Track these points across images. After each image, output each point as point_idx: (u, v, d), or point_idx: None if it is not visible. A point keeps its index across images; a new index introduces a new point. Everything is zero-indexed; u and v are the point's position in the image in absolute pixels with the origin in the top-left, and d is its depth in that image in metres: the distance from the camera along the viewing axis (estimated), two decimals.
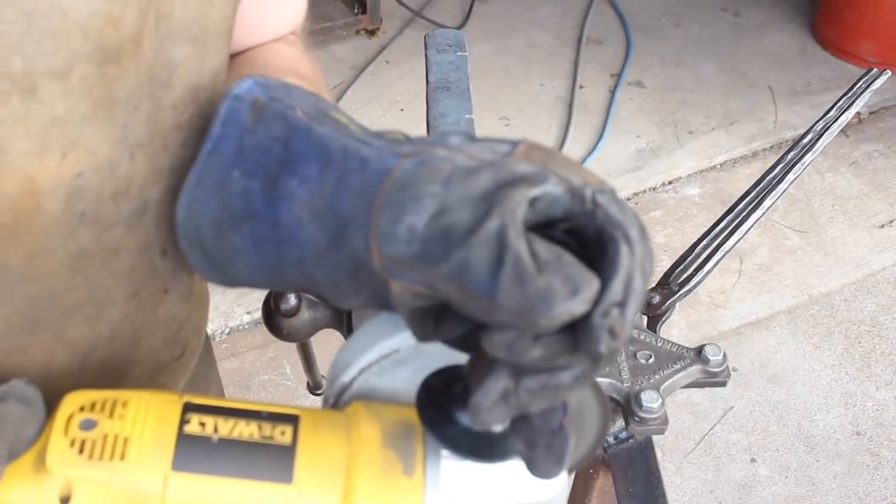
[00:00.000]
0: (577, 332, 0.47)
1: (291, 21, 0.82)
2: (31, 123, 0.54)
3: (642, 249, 0.49)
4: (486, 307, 0.47)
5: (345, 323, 0.79)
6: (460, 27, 3.64)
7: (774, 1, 3.91)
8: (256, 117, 0.55)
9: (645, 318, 1.00)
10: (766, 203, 1.07)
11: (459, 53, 0.89)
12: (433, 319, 0.51)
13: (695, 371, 0.91)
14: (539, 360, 0.47)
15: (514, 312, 0.46)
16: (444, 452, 0.54)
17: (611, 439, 0.96)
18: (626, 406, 0.87)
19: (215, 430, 0.53)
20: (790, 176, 1.08)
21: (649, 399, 0.86)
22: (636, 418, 0.87)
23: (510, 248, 0.46)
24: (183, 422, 0.53)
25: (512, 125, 3.25)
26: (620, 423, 0.94)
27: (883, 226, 3.00)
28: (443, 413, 0.54)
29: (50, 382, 0.66)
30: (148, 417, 0.53)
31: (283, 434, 0.53)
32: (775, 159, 1.11)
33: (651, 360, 0.91)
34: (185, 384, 0.86)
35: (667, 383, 0.89)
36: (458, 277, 0.47)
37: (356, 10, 3.57)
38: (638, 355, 0.91)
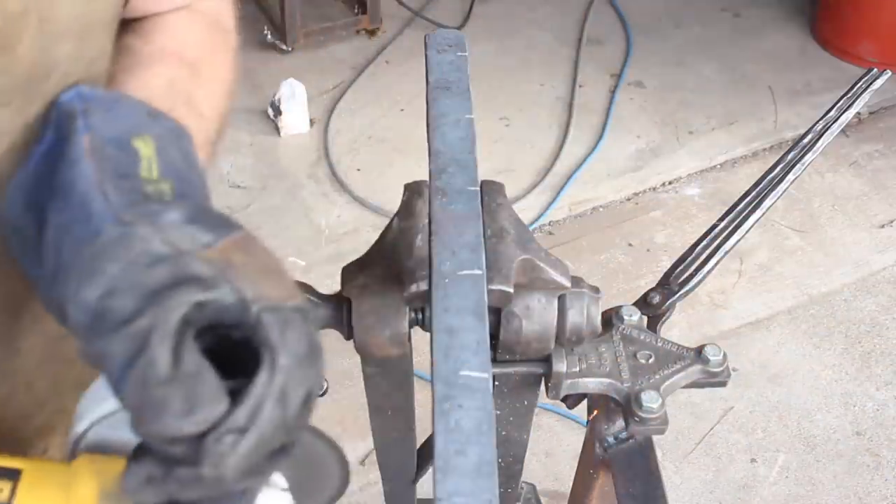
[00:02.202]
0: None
1: None
2: None
3: (287, 378, 0.49)
4: (118, 396, 0.48)
5: (345, 323, 0.79)
6: (460, 27, 3.64)
7: (774, 1, 3.91)
8: (64, 134, 0.57)
9: (645, 318, 1.00)
10: (766, 203, 1.07)
11: (459, 53, 0.89)
12: None
13: (695, 371, 0.91)
14: (176, 457, 0.48)
15: (132, 412, 0.48)
16: None
17: (611, 439, 0.96)
18: (626, 406, 0.87)
19: None
20: (790, 176, 1.08)
21: (649, 399, 0.86)
22: (636, 418, 0.86)
23: (148, 349, 0.47)
24: None
25: (512, 125, 3.25)
26: (620, 423, 0.94)
27: (883, 226, 3.00)
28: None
29: None
30: None
31: (5, 489, 0.54)
32: (775, 159, 1.11)
33: (651, 360, 0.91)
34: None
35: (667, 383, 0.89)
36: (101, 361, 0.49)
37: (356, 10, 3.57)
38: (638, 355, 0.91)
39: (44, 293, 0.57)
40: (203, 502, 0.50)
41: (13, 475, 0.55)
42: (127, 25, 0.73)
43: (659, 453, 0.93)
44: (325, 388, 1.06)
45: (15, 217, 0.58)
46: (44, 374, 0.78)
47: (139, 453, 0.50)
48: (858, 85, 1.13)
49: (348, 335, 0.79)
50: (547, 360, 0.84)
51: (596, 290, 0.82)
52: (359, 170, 3.01)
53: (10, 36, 0.57)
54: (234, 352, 0.51)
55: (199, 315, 0.49)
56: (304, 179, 3.02)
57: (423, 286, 0.73)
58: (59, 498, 0.54)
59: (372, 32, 3.61)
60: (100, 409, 0.58)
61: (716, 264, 1.05)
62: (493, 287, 0.72)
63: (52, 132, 0.58)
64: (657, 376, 0.89)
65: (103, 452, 0.58)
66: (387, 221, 0.81)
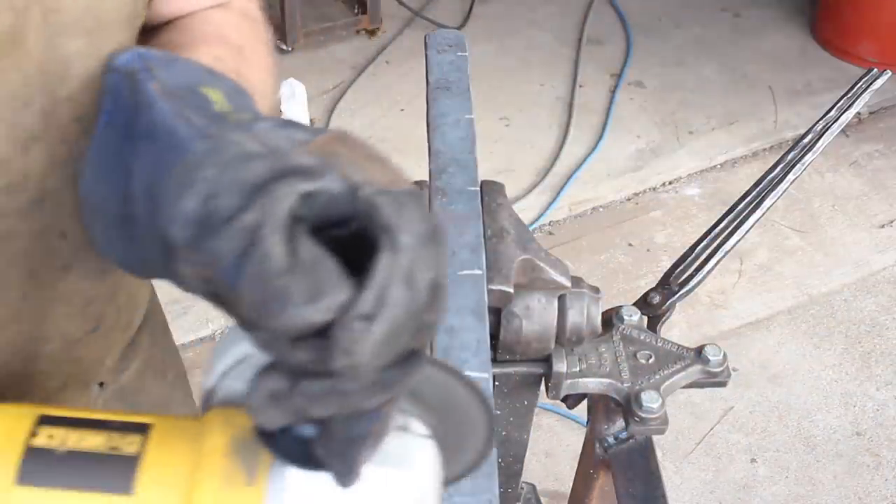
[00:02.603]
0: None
1: None
2: None
3: (412, 259, 0.45)
4: (234, 301, 0.45)
5: None
6: (460, 27, 3.64)
7: (774, 1, 3.91)
8: (130, 90, 0.54)
9: (645, 318, 1.00)
10: (767, 203, 1.07)
11: (459, 53, 0.89)
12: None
13: (695, 371, 0.91)
14: (304, 364, 0.45)
15: (254, 310, 0.44)
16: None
17: (611, 439, 0.96)
18: (626, 406, 0.87)
19: (63, 442, 0.52)
20: (790, 176, 1.08)
21: (649, 399, 0.86)
22: (636, 418, 0.87)
23: (261, 242, 0.44)
24: (32, 435, 0.53)
25: (512, 125, 3.25)
26: (620, 423, 0.94)
27: (883, 226, 3.00)
28: None
29: None
30: None
31: (130, 444, 0.53)
32: (775, 159, 1.12)
33: (651, 360, 0.91)
34: (140, 365, 0.86)
35: (667, 383, 0.89)
36: (211, 265, 0.45)
37: (356, 10, 3.57)
38: (638, 355, 0.91)
39: (135, 260, 0.54)
40: (333, 422, 0.47)
41: (143, 429, 0.54)
42: (160, 29, 0.73)
43: (659, 453, 0.93)
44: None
45: (92, 195, 0.56)
46: (58, 374, 0.78)
47: (263, 372, 0.47)
48: (858, 85, 1.13)
49: None
50: (547, 360, 0.84)
51: (596, 290, 0.82)
52: None
53: (18, 31, 0.57)
54: (346, 258, 0.47)
55: (308, 210, 0.46)
56: None
57: None
58: (189, 450, 0.53)
59: (372, 32, 3.61)
60: (222, 363, 0.55)
61: (716, 264, 1.06)
62: (494, 287, 0.72)
63: (111, 101, 0.55)
64: (657, 376, 0.89)
65: (234, 405, 0.56)
66: None
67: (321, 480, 0.51)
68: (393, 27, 3.65)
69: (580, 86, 3.44)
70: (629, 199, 3.07)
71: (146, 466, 0.52)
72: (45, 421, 0.53)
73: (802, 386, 2.54)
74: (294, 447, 0.51)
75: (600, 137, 3.21)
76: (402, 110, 3.27)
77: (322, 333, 0.44)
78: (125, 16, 0.65)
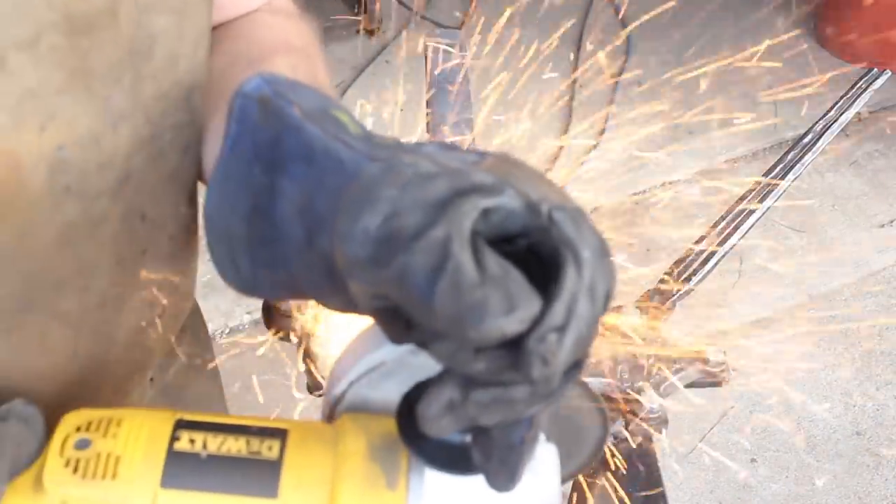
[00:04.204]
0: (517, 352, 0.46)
1: None
2: (4, 97, 0.54)
3: (593, 272, 0.47)
4: (424, 314, 0.46)
5: None
6: (460, 27, 3.64)
7: (774, 1, 3.91)
8: (264, 115, 0.56)
9: (645, 318, 1.00)
10: (767, 203, 1.07)
11: (459, 54, 0.89)
12: (403, 323, 0.50)
13: (695, 371, 0.91)
14: (483, 374, 0.47)
15: (449, 322, 0.45)
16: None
17: (611, 439, 0.96)
18: (626, 406, 0.87)
19: (204, 446, 0.54)
20: (790, 176, 1.08)
21: (649, 399, 0.86)
22: (636, 418, 0.87)
23: (452, 256, 0.45)
24: (173, 439, 0.54)
25: (512, 125, 3.25)
26: (620, 423, 0.94)
27: (883, 226, 3.00)
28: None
29: (46, 357, 0.66)
30: (140, 435, 0.54)
31: (270, 449, 0.54)
32: (775, 159, 1.12)
33: (651, 360, 0.91)
34: (184, 360, 0.87)
35: (667, 383, 0.89)
36: (401, 281, 0.46)
37: (356, 10, 3.57)
38: (638, 355, 0.91)
39: (262, 280, 0.56)
40: (494, 429, 0.49)
41: (281, 434, 0.55)
42: (218, 35, 0.74)
43: (659, 453, 0.93)
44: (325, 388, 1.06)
45: (217, 217, 0.57)
46: (127, 362, 0.78)
47: (437, 382, 0.48)
48: (858, 85, 1.13)
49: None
50: None
51: None
52: None
53: (115, 4, 0.57)
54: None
55: (485, 225, 0.47)
56: None
57: None
58: (327, 453, 0.54)
59: (372, 32, 3.61)
60: (354, 371, 0.57)
61: (716, 264, 1.06)
62: None
63: (236, 123, 0.56)
64: (657, 376, 0.89)
65: (364, 411, 0.57)
66: None
67: (461, 484, 0.53)
68: (393, 27, 3.65)
69: (580, 86, 3.44)
70: (629, 199, 3.07)
71: (288, 470, 0.54)
72: (183, 425, 0.55)
73: (802, 386, 2.54)
74: (438, 452, 0.53)
75: (600, 137, 3.21)
76: (401, 110, 3.27)
77: (507, 345, 0.46)
78: None
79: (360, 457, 0.54)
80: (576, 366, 0.48)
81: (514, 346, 0.46)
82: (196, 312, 0.97)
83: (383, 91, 3.35)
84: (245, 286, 0.60)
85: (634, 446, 0.94)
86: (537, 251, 0.48)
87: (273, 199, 0.55)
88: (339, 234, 0.49)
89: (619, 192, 3.06)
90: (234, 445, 0.54)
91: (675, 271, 1.06)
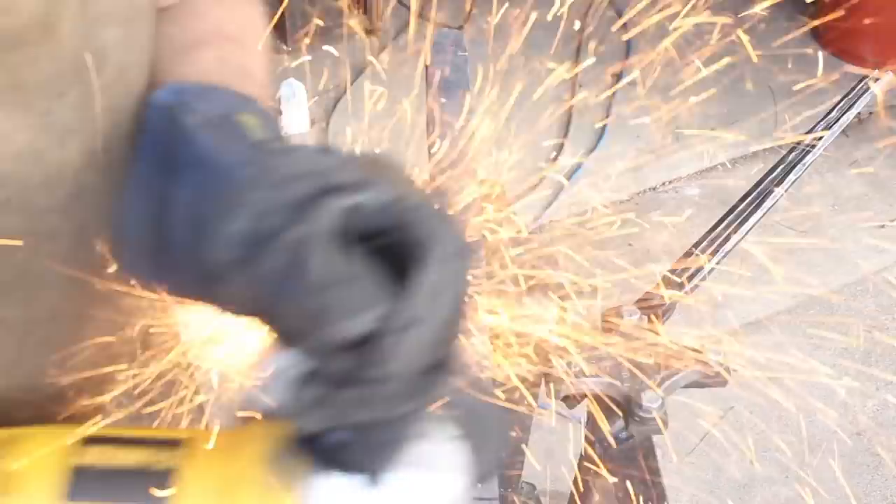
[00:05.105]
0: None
1: None
2: None
3: (442, 274, 0.48)
4: (277, 314, 0.48)
5: None
6: (460, 27, 3.64)
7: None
8: (167, 125, 0.57)
9: (645, 318, 1.00)
10: (767, 203, 1.07)
11: (459, 53, 0.89)
12: (273, 325, 0.52)
13: (695, 371, 0.91)
14: (341, 372, 0.48)
15: (299, 323, 0.47)
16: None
17: (611, 439, 0.96)
18: (626, 406, 0.87)
19: (108, 459, 0.56)
20: (790, 176, 1.08)
21: (649, 399, 0.86)
22: (636, 418, 0.87)
23: (304, 258, 0.47)
24: (79, 454, 0.56)
25: (512, 125, 3.25)
26: (620, 423, 0.94)
27: (883, 226, 3.00)
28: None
29: None
30: (42, 452, 0.55)
31: (168, 458, 0.56)
32: (775, 159, 1.12)
33: (651, 360, 0.91)
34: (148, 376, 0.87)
35: (667, 383, 0.89)
36: (257, 282, 0.48)
37: (356, 10, 3.57)
38: (638, 355, 0.91)
39: (175, 285, 0.57)
40: (368, 427, 0.50)
41: (179, 444, 0.57)
42: (160, 18, 0.73)
43: (659, 453, 0.93)
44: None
45: (128, 225, 0.58)
46: (91, 379, 0.78)
47: (306, 378, 0.50)
48: (859, 86, 1.13)
49: None
50: (547, 360, 0.84)
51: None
52: None
53: (52, 18, 0.57)
54: (397, 263, 0.50)
55: (350, 223, 0.49)
56: None
57: None
58: (224, 462, 0.56)
59: (372, 32, 3.61)
60: (261, 375, 0.58)
61: (716, 264, 1.06)
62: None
63: (150, 137, 0.58)
64: (657, 376, 0.89)
65: (270, 417, 0.58)
66: None
67: (356, 483, 0.53)
68: (393, 27, 3.65)
69: (580, 86, 3.44)
70: (629, 199, 3.07)
71: (186, 479, 0.55)
72: (92, 440, 0.57)
73: (802, 386, 2.54)
74: (332, 453, 0.53)
75: (600, 137, 3.21)
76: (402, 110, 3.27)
77: (362, 343, 0.47)
78: (152, 2, 0.65)
79: (259, 461, 0.55)
80: (440, 366, 0.49)
81: (368, 345, 0.47)
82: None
83: (383, 91, 3.35)
84: (150, 289, 0.61)
85: (634, 446, 0.94)
86: (401, 249, 0.49)
87: (168, 206, 0.56)
88: (209, 240, 0.50)
89: (620, 193, 3.05)
90: (135, 457, 0.56)
91: (675, 272, 1.06)
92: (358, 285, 0.47)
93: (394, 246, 0.49)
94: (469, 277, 0.50)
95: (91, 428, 0.57)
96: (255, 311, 0.51)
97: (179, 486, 0.55)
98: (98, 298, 0.72)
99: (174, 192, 0.55)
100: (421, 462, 0.53)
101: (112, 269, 0.71)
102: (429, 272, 0.48)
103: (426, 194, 0.52)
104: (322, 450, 0.53)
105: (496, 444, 0.62)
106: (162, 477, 0.55)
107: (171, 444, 0.57)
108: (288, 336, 0.50)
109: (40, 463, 0.55)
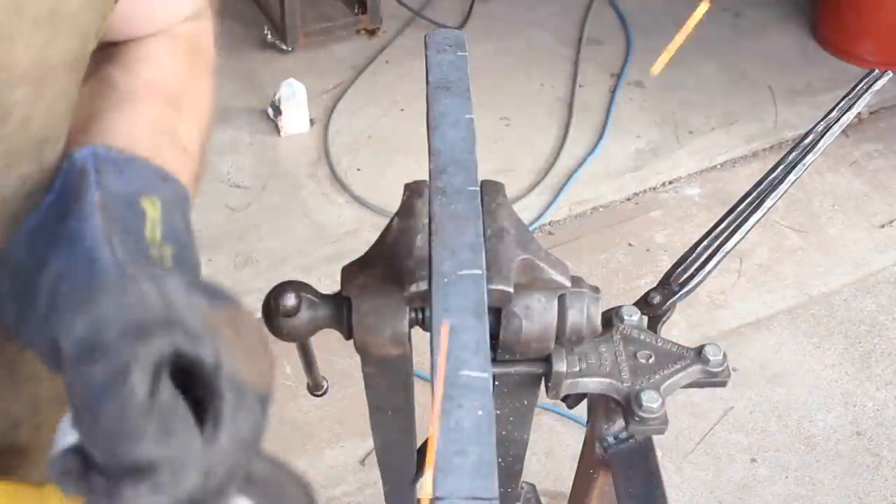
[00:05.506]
0: None
1: (176, 14, 0.81)
2: None
3: (220, 456, 0.53)
4: (90, 419, 0.52)
5: (345, 322, 0.79)
6: (460, 27, 3.63)
7: (774, 1, 3.91)
8: (76, 192, 0.60)
9: (645, 318, 1.00)
10: (767, 203, 1.07)
11: (459, 53, 0.89)
12: None
13: (695, 371, 0.91)
14: (97, 484, 0.53)
15: (103, 436, 0.51)
16: None
17: (611, 439, 0.96)
18: (626, 406, 0.87)
19: None
20: (791, 176, 1.08)
21: (649, 399, 0.86)
22: (636, 418, 0.87)
23: (129, 379, 0.51)
24: None
25: (512, 125, 3.25)
26: (620, 423, 0.94)
27: (883, 226, 3.00)
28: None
29: None
30: None
31: None
32: (775, 159, 1.11)
33: (651, 360, 0.91)
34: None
35: (667, 383, 0.89)
36: (79, 389, 0.52)
37: (356, 10, 3.57)
38: (638, 355, 0.91)
39: (28, 336, 0.60)
40: None
41: None
42: (107, 51, 0.74)
43: (659, 453, 0.93)
44: (325, 388, 1.06)
45: (16, 261, 0.60)
46: (25, 392, 0.79)
47: (66, 451, 0.54)
48: (859, 86, 1.13)
49: (348, 335, 0.79)
50: (547, 360, 0.84)
51: (596, 289, 0.82)
52: (359, 170, 3.01)
53: None
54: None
55: (175, 360, 0.53)
56: (304, 179, 3.02)
57: (424, 286, 0.73)
58: None
59: (372, 32, 3.61)
60: (70, 436, 0.58)
61: (716, 264, 1.06)
62: (493, 287, 0.72)
63: (62, 184, 0.60)
64: (657, 376, 0.89)
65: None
66: (387, 221, 0.81)
67: None
68: (393, 27, 3.65)
69: (580, 86, 3.43)
70: (629, 199, 3.07)
71: None
72: None
73: (802, 386, 2.54)
74: None
75: (600, 137, 3.21)
76: (402, 110, 3.26)
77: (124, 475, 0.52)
78: (70, 60, 0.64)
79: None
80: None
81: (139, 472, 0.51)
82: None
83: (383, 91, 3.35)
84: (10, 335, 0.62)
85: (634, 446, 0.94)
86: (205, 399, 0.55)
87: (41, 268, 0.58)
88: (57, 322, 0.54)
89: (619, 192, 3.06)
90: None
91: (676, 271, 1.06)
92: (172, 416, 0.51)
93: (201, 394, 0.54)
94: (243, 468, 0.55)
95: None
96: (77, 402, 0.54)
97: None
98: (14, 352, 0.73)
99: (52, 257, 0.58)
100: None
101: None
102: (207, 451, 0.52)
103: (262, 373, 0.57)
104: None
105: None
106: None
107: None
108: (87, 439, 0.53)
109: None
